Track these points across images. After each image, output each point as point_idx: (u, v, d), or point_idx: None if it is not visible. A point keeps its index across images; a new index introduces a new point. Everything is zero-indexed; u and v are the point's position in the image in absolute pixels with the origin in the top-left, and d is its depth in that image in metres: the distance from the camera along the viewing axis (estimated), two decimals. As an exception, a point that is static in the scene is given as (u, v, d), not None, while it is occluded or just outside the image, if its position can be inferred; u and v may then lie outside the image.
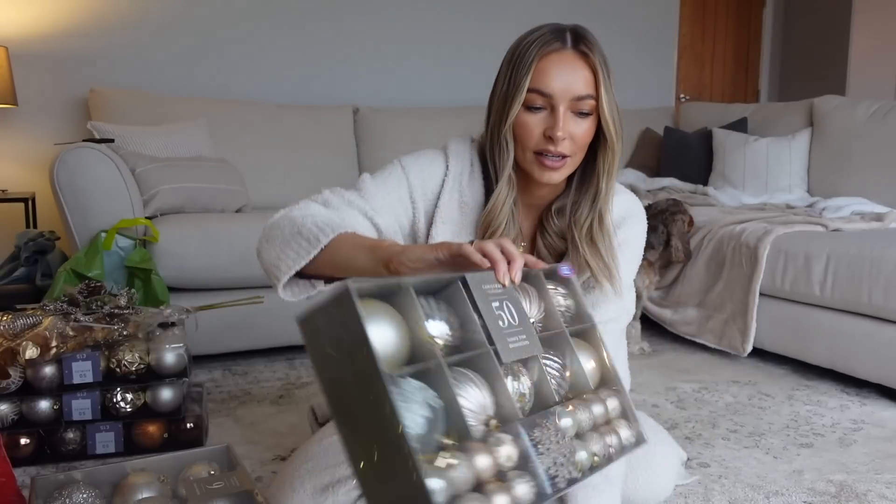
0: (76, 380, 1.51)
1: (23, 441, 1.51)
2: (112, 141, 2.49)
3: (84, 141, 2.28)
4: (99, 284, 1.71)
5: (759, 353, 2.40)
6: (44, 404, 1.52)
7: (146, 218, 2.21)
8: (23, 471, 1.49)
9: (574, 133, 1.00)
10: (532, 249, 1.15)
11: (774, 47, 5.36)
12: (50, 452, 1.53)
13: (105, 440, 1.54)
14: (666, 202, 2.52)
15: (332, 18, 3.49)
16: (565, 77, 0.99)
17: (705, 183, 3.40)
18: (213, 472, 1.22)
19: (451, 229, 1.09)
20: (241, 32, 3.32)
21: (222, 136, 2.91)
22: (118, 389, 1.55)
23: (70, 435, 1.53)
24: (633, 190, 3.29)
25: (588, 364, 0.87)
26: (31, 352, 1.47)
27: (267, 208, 2.86)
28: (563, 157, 1.01)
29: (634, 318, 2.50)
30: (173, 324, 1.65)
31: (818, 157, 3.14)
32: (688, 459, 1.55)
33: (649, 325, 2.78)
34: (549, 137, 0.99)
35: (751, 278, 2.31)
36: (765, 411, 1.89)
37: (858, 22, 4.79)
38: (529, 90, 0.99)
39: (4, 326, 1.49)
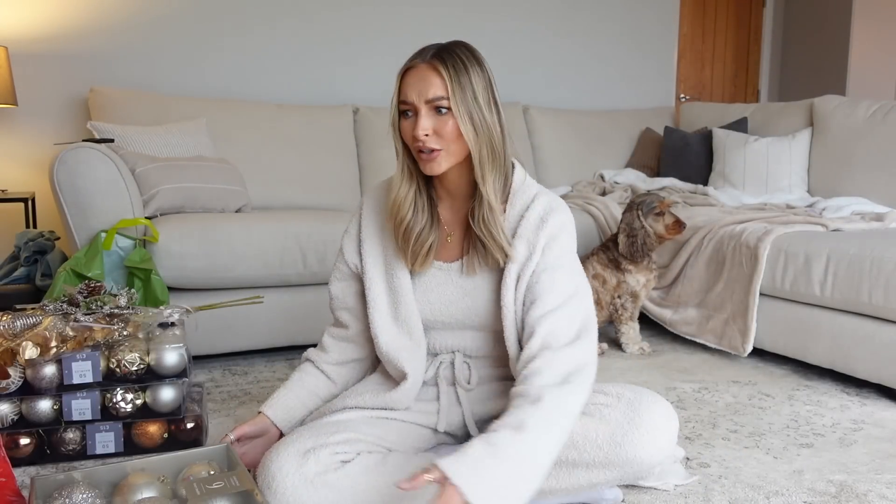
0: (76, 380, 1.51)
1: (23, 441, 1.51)
2: (112, 141, 2.49)
3: (84, 141, 2.28)
4: (99, 284, 1.71)
5: (759, 353, 2.40)
6: (44, 404, 1.52)
7: (146, 218, 2.21)
8: (23, 471, 1.49)
9: (437, 128, 1.17)
10: (465, 236, 1.31)
11: (774, 47, 5.36)
12: (50, 452, 1.53)
13: (105, 440, 1.54)
14: (639, 195, 2.49)
15: (333, 18, 3.49)
16: (418, 85, 1.17)
17: (705, 183, 3.40)
18: (212, 472, 1.22)
19: (374, 241, 1.33)
20: (241, 32, 3.32)
21: (222, 136, 2.91)
22: (118, 389, 1.54)
23: (70, 435, 1.53)
24: (634, 190, 3.29)
25: None
26: (31, 352, 1.47)
27: (267, 208, 2.86)
28: (433, 150, 1.18)
29: (632, 319, 2.49)
30: (173, 324, 1.65)
31: (818, 157, 3.14)
32: (688, 459, 1.55)
33: (649, 325, 2.78)
34: (415, 137, 1.18)
35: (751, 278, 2.31)
36: (765, 411, 1.89)
37: (859, 22, 4.79)
38: (399, 101, 1.20)
39: (4, 326, 1.49)
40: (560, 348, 1.16)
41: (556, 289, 1.21)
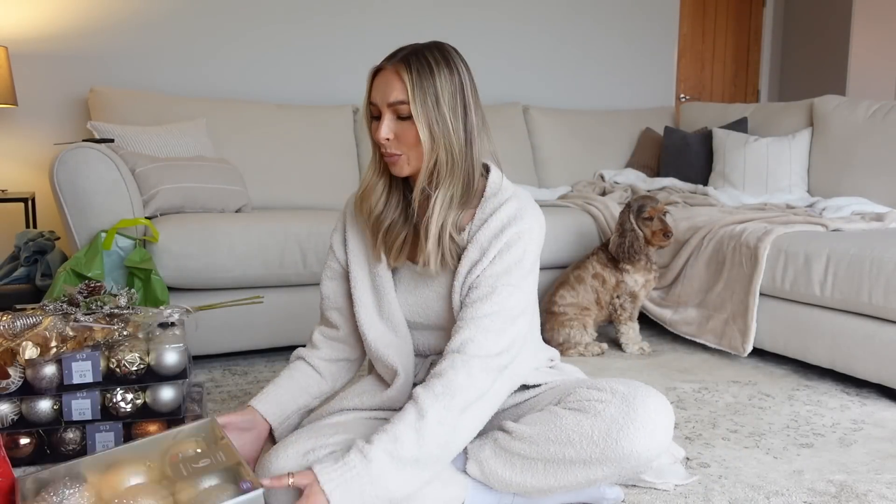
0: (76, 380, 1.51)
1: (23, 441, 1.51)
2: (112, 141, 2.49)
3: (84, 141, 2.28)
4: (99, 284, 1.71)
5: (759, 353, 2.40)
6: (44, 404, 1.52)
7: (146, 218, 2.21)
8: (22, 471, 1.49)
9: (399, 133, 1.18)
10: None
11: (774, 47, 5.36)
12: (50, 452, 1.53)
13: (105, 440, 1.54)
14: (637, 197, 2.50)
15: (333, 18, 3.49)
16: (382, 88, 1.18)
17: (705, 183, 3.40)
18: (199, 450, 1.21)
19: (358, 239, 1.35)
20: (241, 32, 3.32)
21: (222, 136, 2.91)
22: (118, 389, 1.54)
23: (70, 435, 1.53)
24: (634, 190, 3.29)
25: None
26: (31, 352, 1.47)
27: (267, 208, 2.86)
28: (394, 154, 1.20)
29: (632, 319, 2.49)
30: (173, 324, 1.65)
31: (818, 157, 3.14)
32: (688, 459, 1.55)
33: (649, 325, 2.78)
34: (377, 140, 1.20)
35: (751, 278, 2.31)
36: (765, 411, 1.89)
37: (859, 22, 4.79)
38: (368, 103, 1.22)
39: (4, 326, 1.49)
40: (473, 357, 1.15)
41: (495, 299, 1.19)
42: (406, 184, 1.29)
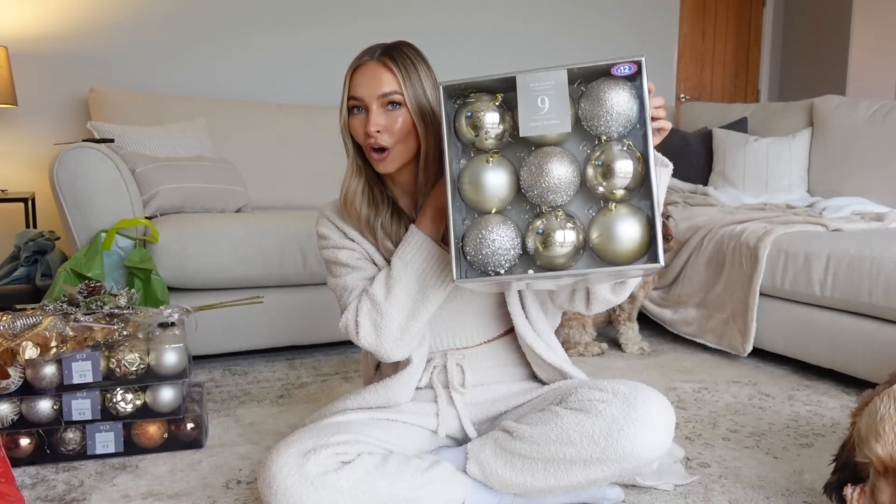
0: (76, 380, 1.51)
1: (23, 441, 1.51)
2: (112, 141, 2.49)
3: (84, 141, 2.28)
4: (99, 284, 1.71)
5: (759, 353, 2.40)
6: (44, 404, 1.52)
7: (146, 218, 2.21)
8: (23, 471, 1.49)
9: (388, 125, 1.21)
10: None
11: (774, 47, 5.36)
12: (50, 452, 1.53)
13: (105, 440, 1.54)
14: None
15: (332, 18, 3.49)
16: (370, 82, 1.21)
17: (705, 183, 3.40)
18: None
19: (357, 234, 1.33)
20: (240, 32, 3.32)
21: (222, 136, 2.91)
22: (118, 389, 1.55)
23: (70, 435, 1.53)
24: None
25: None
26: (31, 352, 1.47)
27: (267, 208, 2.86)
28: (384, 149, 1.22)
29: (630, 319, 2.49)
30: (173, 324, 1.65)
31: (818, 157, 3.14)
32: (688, 459, 1.55)
33: (649, 325, 2.78)
34: (367, 133, 1.21)
35: (751, 278, 2.31)
36: (765, 411, 1.89)
37: (859, 22, 4.78)
38: (349, 98, 1.23)
39: (4, 326, 1.49)
40: None
41: None
42: (380, 183, 1.33)
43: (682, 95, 5.05)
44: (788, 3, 5.31)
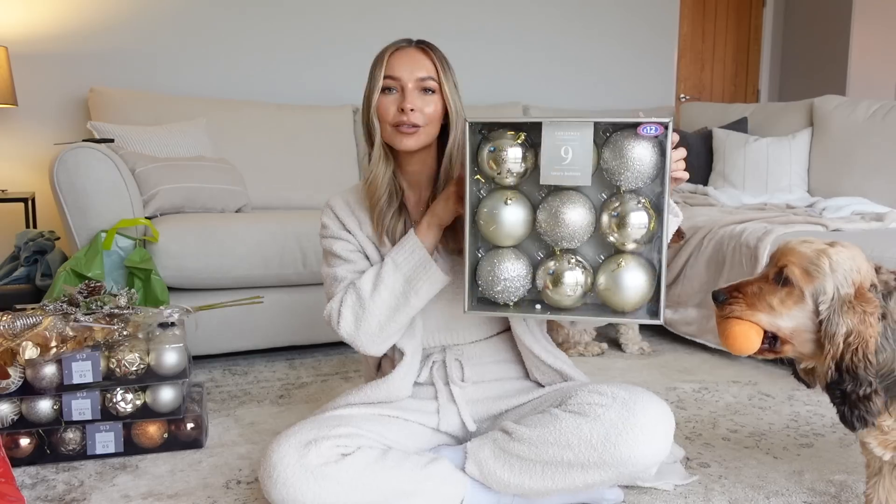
0: (76, 380, 1.51)
1: (23, 441, 1.51)
2: (112, 141, 2.49)
3: (84, 141, 2.28)
4: (99, 284, 1.71)
5: (759, 353, 2.40)
6: (44, 404, 1.52)
7: (146, 218, 2.21)
8: (23, 471, 1.50)
9: (422, 107, 1.26)
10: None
11: (774, 47, 5.36)
12: (50, 452, 1.53)
13: (105, 440, 1.54)
14: None
15: (332, 19, 3.49)
16: (409, 64, 1.26)
17: (705, 183, 3.40)
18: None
19: (357, 228, 1.36)
20: (240, 32, 3.32)
21: (222, 136, 2.91)
22: (118, 389, 1.55)
23: (70, 435, 1.53)
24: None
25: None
26: (31, 352, 1.47)
27: (267, 208, 2.86)
28: (416, 126, 1.25)
29: (633, 319, 2.49)
30: (173, 324, 1.65)
31: (818, 157, 3.14)
32: (688, 459, 1.55)
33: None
34: (402, 110, 1.25)
35: (751, 278, 2.30)
36: (765, 411, 1.89)
37: (859, 22, 4.78)
38: (385, 77, 1.26)
39: (4, 326, 1.49)
40: None
41: None
42: (396, 176, 1.35)
43: (682, 95, 5.04)
44: (788, 3, 5.31)
